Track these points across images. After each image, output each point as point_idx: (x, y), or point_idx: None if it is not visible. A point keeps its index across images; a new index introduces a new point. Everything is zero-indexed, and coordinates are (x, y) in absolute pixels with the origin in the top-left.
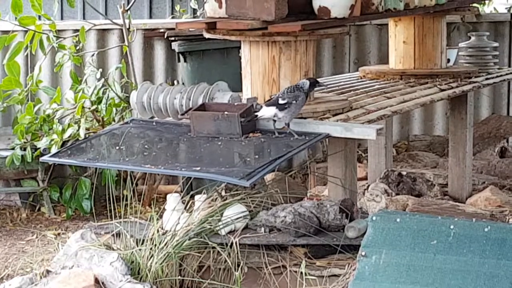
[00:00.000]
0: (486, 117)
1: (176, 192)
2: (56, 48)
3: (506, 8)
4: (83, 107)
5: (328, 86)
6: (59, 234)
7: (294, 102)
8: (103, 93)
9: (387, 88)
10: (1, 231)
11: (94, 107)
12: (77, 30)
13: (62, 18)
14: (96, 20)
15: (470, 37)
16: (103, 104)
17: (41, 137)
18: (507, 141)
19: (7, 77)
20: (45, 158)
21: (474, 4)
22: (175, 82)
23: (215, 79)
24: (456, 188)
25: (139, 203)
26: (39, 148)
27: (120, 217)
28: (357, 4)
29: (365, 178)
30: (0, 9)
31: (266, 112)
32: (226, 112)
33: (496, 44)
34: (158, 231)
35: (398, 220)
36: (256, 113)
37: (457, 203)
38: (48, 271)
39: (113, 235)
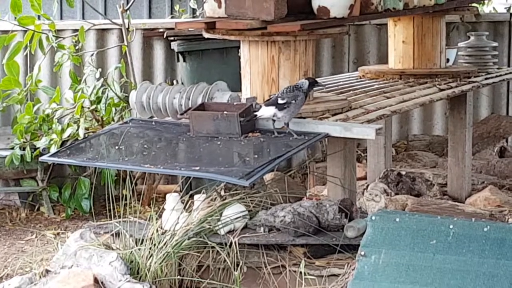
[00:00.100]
0: (486, 117)
1: (175, 191)
2: (56, 48)
3: (505, 8)
4: (82, 107)
5: (328, 86)
6: (58, 233)
7: (293, 102)
8: (103, 92)
9: (386, 88)
10: (0, 230)
11: (93, 106)
12: (76, 30)
13: (61, 18)
14: (95, 20)
15: (469, 37)
16: (102, 103)
17: (40, 137)
18: (507, 141)
19: (7, 77)
20: (44, 157)
21: (474, 4)
22: (175, 81)
23: (215, 78)
24: (455, 188)
25: (138, 203)
26: (38, 147)
27: (119, 217)
28: (356, 4)
29: (365, 178)
30: (0, 9)
31: (265, 112)
32: (225, 112)
33: (495, 44)
34: (157, 230)
35: (397, 219)
36: (255, 113)
37: (456, 203)
38: (47, 271)
39: (112, 234)
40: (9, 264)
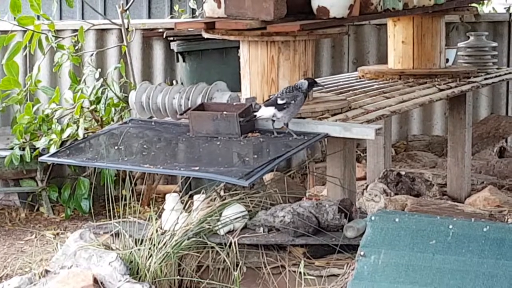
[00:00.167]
0: (485, 117)
1: (175, 192)
2: (55, 48)
3: (505, 8)
4: (82, 107)
5: (327, 86)
6: (58, 234)
7: (292, 102)
8: (102, 93)
9: (386, 88)
10: (0, 231)
11: (93, 107)
12: (76, 30)
13: (61, 18)
14: (95, 20)
15: (469, 37)
16: (102, 104)
17: (40, 137)
18: (506, 141)
19: (6, 77)
20: (44, 158)
21: (473, 4)
22: (174, 82)
23: (214, 79)
24: (455, 188)
25: (138, 203)
26: (38, 148)
27: (119, 217)
28: (356, 4)
29: (364, 178)
30: None
31: (265, 112)
32: (225, 112)
33: (495, 44)
34: (157, 231)
35: (397, 220)
36: (255, 113)
37: (456, 203)
38: (47, 271)
39: (112, 235)
40: (9, 264)
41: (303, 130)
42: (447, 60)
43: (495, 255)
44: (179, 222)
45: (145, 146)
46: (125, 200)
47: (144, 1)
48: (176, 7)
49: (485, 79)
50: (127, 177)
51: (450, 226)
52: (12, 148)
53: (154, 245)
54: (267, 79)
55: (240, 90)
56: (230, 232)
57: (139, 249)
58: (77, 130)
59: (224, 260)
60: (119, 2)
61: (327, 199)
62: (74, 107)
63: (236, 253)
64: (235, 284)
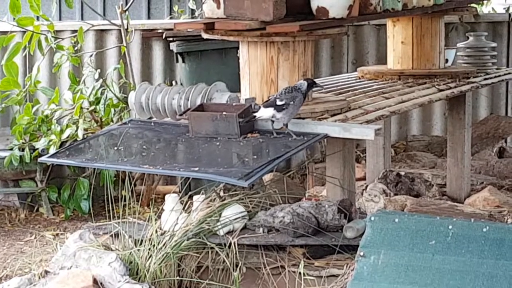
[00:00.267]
0: (485, 117)
1: (174, 192)
2: (54, 49)
3: (504, 8)
4: (81, 108)
5: (326, 86)
6: (57, 234)
7: (291, 103)
8: (101, 93)
9: (385, 88)
10: None
11: (92, 107)
12: (75, 31)
13: (60, 19)
14: (94, 21)
15: (468, 37)
16: (101, 104)
17: (39, 138)
18: (506, 141)
19: (5, 78)
20: (43, 158)
21: (472, 4)
22: (173, 82)
23: (213, 79)
24: (454, 188)
25: (137, 204)
26: (37, 148)
27: (118, 218)
28: (355, 5)
29: (364, 179)
30: None
31: (264, 113)
32: (224, 113)
33: (494, 44)
34: (156, 231)
35: (396, 220)
36: (254, 114)
37: (455, 203)
38: (46, 272)
39: (111, 235)
40: (8, 265)
41: (303, 130)
42: (447, 61)
43: (495, 255)
44: (178, 222)
45: (144, 146)
46: (125, 200)
47: (144, 2)
48: (175, 8)
49: (485, 79)
50: (127, 178)
51: (450, 227)
52: (11, 149)
53: (154, 245)
54: (266, 79)
55: (239, 91)
56: (229, 232)
57: (138, 250)
58: (76, 130)
59: (224, 261)
60: (118, 2)
61: (326, 200)
62: (73, 108)
63: (235, 253)
64: (234, 284)
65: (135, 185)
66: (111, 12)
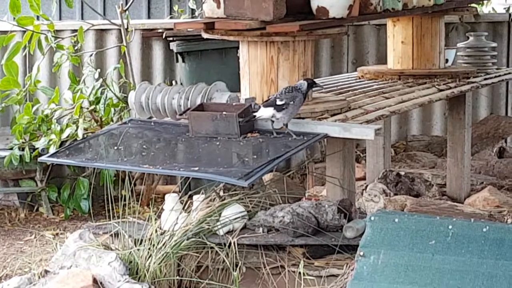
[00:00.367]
0: (485, 117)
1: (174, 192)
2: (55, 48)
3: (504, 8)
4: (81, 107)
5: (326, 86)
6: (57, 234)
7: (291, 103)
8: (101, 93)
9: (385, 88)
10: None
11: (92, 107)
12: (75, 30)
13: (60, 18)
14: (94, 20)
15: (468, 37)
16: (101, 104)
17: (39, 137)
18: (506, 141)
19: (5, 77)
20: (43, 158)
21: (473, 4)
22: (173, 82)
23: (213, 79)
24: (454, 188)
25: (137, 203)
26: (37, 148)
27: (118, 217)
28: (355, 4)
29: (363, 178)
30: None
31: (264, 113)
32: (224, 112)
33: (494, 44)
34: (156, 231)
35: (396, 220)
36: (254, 114)
37: (455, 203)
38: (46, 271)
39: (111, 235)
40: (8, 264)
41: (303, 130)
42: (447, 61)
43: (495, 255)
44: (178, 222)
45: (144, 146)
46: (125, 200)
47: (144, 1)
48: (175, 7)
49: (485, 79)
50: (127, 178)
51: (450, 227)
52: (11, 148)
53: (154, 245)
54: (266, 79)
55: (239, 91)
56: (229, 232)
57: (138, 249)
58: (76, 130)
59: (224, 260)
60: (118, 2)
61: (326, 200)
62: (73, 107)
63: (235, 253)
64: (234, 284)
65: (135, 184)
66: (111, 11)
